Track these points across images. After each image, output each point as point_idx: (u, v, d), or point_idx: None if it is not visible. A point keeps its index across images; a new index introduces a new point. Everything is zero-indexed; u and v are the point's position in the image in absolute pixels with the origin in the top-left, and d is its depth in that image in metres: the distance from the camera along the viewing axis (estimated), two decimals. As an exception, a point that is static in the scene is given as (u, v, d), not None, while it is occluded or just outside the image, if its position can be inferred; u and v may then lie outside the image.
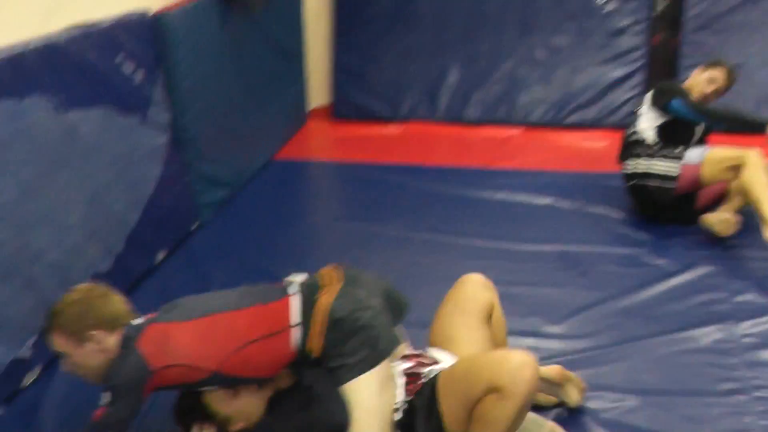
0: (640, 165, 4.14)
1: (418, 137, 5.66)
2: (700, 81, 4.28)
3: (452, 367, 2.48)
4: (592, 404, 2.80)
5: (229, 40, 4.65)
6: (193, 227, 4.27)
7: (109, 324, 2.45)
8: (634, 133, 4.24)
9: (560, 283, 3.61)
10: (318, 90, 6.10)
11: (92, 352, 2.44)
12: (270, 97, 5.26)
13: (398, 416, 2.45)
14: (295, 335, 2.45)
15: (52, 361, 3.14)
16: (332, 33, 6.07)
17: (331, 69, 6.08)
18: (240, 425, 2.56)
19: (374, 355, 2.42)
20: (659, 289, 3.52)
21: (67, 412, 2.90)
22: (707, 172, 4.00)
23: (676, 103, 4.11)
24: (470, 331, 2.63)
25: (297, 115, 5.80)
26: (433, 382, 2.46)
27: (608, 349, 3.10)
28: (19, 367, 3.01)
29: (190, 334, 2.44)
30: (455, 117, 5.84)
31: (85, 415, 2.71)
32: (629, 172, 4.21)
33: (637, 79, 5.67)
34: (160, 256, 3.91)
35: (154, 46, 3.97)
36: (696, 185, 4.06)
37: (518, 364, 2.22)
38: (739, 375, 2.94)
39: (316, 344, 2.42)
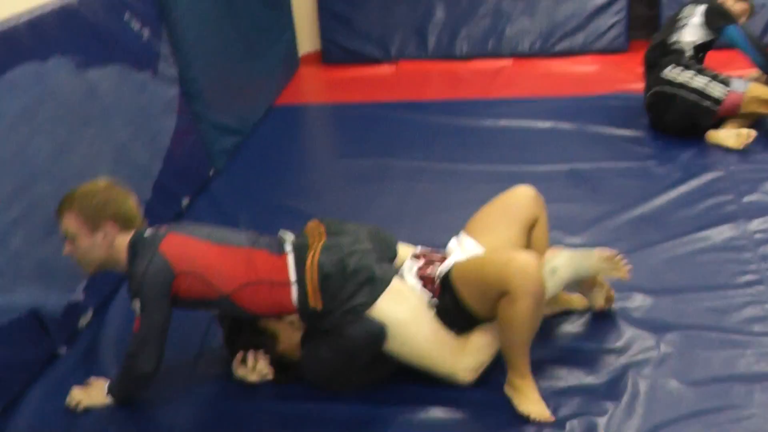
0: (680, 76, 4.17)
1: (410, 75, 5.77)
2: (736, 11, 4.32)
3: (465, 265, 2.64)
4: (620, 304, 2.96)
5: (223, -6, 4.73)
6: (210, 173, 4.39)
7: (124, 222, 2.63)
8: (676, 42, 4.28)
9: (573, 199, 3.76)
10: (307, 36, 6.18)
11: (100, 243, 2.61)
12: (263, 46, 5.34)
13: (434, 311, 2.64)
14: (294, 293, 2.60)
15: (102, 304, 3.31)
16: (316, -21, 6.14)
17: (318, 15, 6.14)
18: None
19: (374, 288, 2.59)
20: (669, 196, 3.68)
21: (122, 348, 3.02)
22: (749, 103, 4.08)
23: (733, 30, 4.17)
24: (508, 232, 2.78)
25: (290, 62, 5.89)
26: (448, 281, 2.63)
27: (629, 254, 3.21)
28: (74, 310, 3.14)
29: (209, 252, 2.60)
30: (445, 53, 5.95)
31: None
32: (666, 78, 4.22)
33: (621, 3, 5.79)
34: (185, 202, 4.04)
35: (156, 3, 4.04)
36: (732, 112, 4.14)
37: (521, 265, 2.41)
38: (755, 268, 3.11)
39: (315, 301, 2.58)
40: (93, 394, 2.72)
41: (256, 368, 2.74)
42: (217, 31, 4.60)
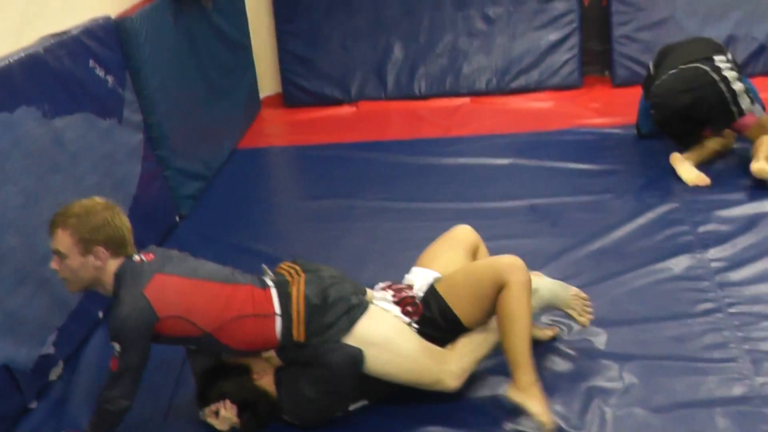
0: (728, 72, 4.19)
1: (370, 116, 5.84)
2: None
3: (449, 278, 2.81)
4: (584, 335, 3.05)
5: (185, 38, 4.78)
6: (176, 219, 4.42)
7: (116, 248, 2.65)
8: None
9: (533, 234, 3.86)
10: (267, 79, 6.25)
11: (89, 266, 2.62)
12: (225, 89, 5.40)
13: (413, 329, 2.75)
14: (278, 324, 2.65)
15: (73, 355, 3.31)
16: (274, 22, 6.21)
17: (278, 57, 6.22)
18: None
19: (351, 315, 2.68)
20: (627, 229, 3.78)
21: (93, 401, 3.02)
22: (756, 129, 4.18)
23: None
24: (456, 257, 2.95)
25: (252, 105, 5.95)
26: (433, 295, 2.78)
27: (590, 287, 3.31)
28: (45, 363, 3.13)
29: (192, 292, 2.63)
30: (404, 93, 6.04)
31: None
32: (717, 65, 4.23)
33: (573, 40, 5.93)
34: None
35: (119, 50, 4.09)
36: (736, 130, 4.26)
37: (509, 261, 2.72)
38: (713, 296, 3.21)
39: (299, 333, 2.65)
40: None
41: (226, 417, 2.76)
42: (180, 76, 4.65)
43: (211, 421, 2.78)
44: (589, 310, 2.99)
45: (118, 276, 2.64)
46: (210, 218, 4.45)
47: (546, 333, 3.06)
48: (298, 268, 2.80)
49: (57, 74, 3.53)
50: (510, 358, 2.66)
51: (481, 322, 2.78)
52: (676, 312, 3.15)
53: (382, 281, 3.03)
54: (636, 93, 5.50)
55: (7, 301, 3.00)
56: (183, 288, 2.62)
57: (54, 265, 2.68)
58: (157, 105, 4.31)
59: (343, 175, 4.82)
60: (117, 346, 2.54)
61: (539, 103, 5.71)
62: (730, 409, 2.62)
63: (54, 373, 3.19)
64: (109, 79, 3.93)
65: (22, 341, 3.03)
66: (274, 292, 2.71)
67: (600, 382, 2.82)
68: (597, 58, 6.11)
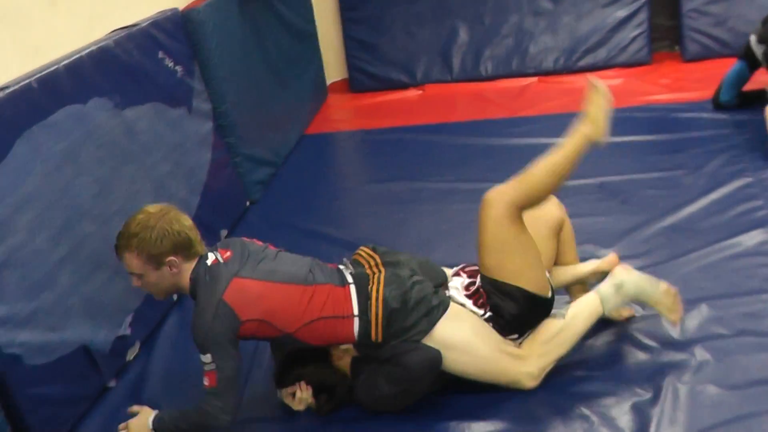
0: None
1: (436, 99, 5.85)
2: None
3: (480, 257, 2.77)
4: (657, 313, 3.00)
5: (250, 28, 4.84)
6: (246, 205, 4.49)
7: (186, 252, 2.63)
8: None
9: (604, 212, 3.82)
10: (333, 65, 6.29)
11: (167, 275, 2.63)
12: (292, 77, 5.45)
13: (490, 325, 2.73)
14: (356, 325, 2.66)
15: (149, 336, 3.41)
16: (339, 10, 6.24)
17: (343, 44, 6.26)
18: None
19: (431, 317, 2.67)
20: (699, 205, 3.72)
21: (169, 380, 3.14)
22: None
23: None
24: (538, 236, 2.86)
25: (318, 91, 6.00)
26: (487, 282, 2.74)
27: (663, 264, 3.30)
28: (122, 344, 3.23)
29: (272, 296, 2.60)
30: (470, 75, 6.03)
31: (186, 379, 2.98)
32: None
33: (642, 16, 5.84)
34: (223, 234, 4.13)
35: (187, 41, 4.16)
36: None
37: (485, 200, 2.76)
38: (788, 271, 3.15)
39: (377, 334, 2.65)
40: (136, 426, 2.69)
41: (302, 398, 2.80)
42: (247, 65, 4.71)
43: (288, 401, 2.82)
44: (679, 306, 2.87)
45: (194, 279, 2.63)
46: (279, 204, 4.51)
47: (622, 314, 3.01)
48: (377, 259, 2.79)
49: (127, 66, 3.60)
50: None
51: (542, 272, 2.75)
52: (750, 288, 3.09)
53: (454, 262, 3.03)
54: (707, 67, 5.43)
55: (85, 285, 3.09)
56: (263, 292, 2.59)
57: (135, 283, 2.69)
58: (226, 94, 4.37)
59: (410, 158, 4.83)
60: (209, 358, 2.52)
61: (608, 80, 5.50)
62: (807, 386, 2.56)
63: (131, 354, 3.28)
64: (178, 69, 4.00)
65: (100, 324, 3.13)
66: (353, 290, 2.69)
67: (673, 358, 2.78)
68: (666, 33, 6.01)
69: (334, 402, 2.81)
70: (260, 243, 2.83)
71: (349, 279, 2.72)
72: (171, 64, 3.94)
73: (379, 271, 2.73)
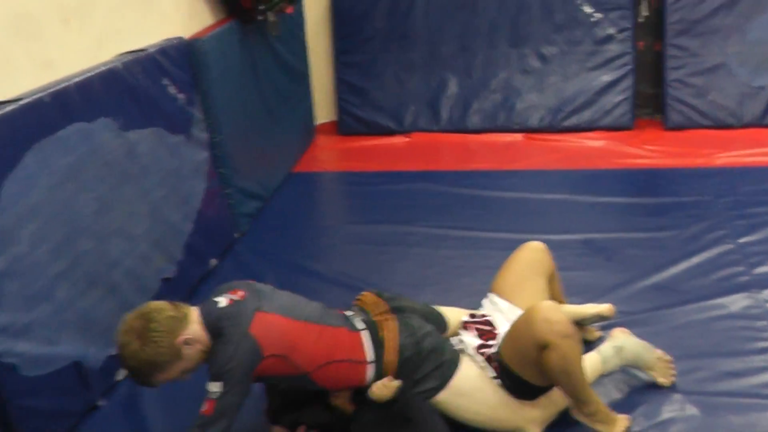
0: None
1: (423, 147, 5.93)
2: None
3: (505, 342, 2.76)
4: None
5: (249, 63, 4.91)
6: (235, 236, 4.52)
7: (182, 325, 2.49)
8: None
9: (589, 267, 3.90)
10: (323, 107, 6.37)
11: (192, 351, 2.52)
12: (284, 114, 5.51)
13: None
14: (369, 371, 2.68)
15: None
16: (333, 52, 6.34)
17: (334, 86, 6.35)
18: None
19: (444, 372, 2.71)
20: (682, 267, 3.81)
21: (158, 403, 3.13)
22: None
23: None
24: (536, 286, 2.97)
25: (307, 131, 6.06)
26: (501, 362, 2.75)
27: (647, 321, 3.38)
28: (112, 363, 3.22)
29: (296, 333, 2.58)
30: (457, 126, 6.12)
31: (176, 404, 2.98)
32: None
33: (627, 82, 5.99)
34: (213, 263, 4.16)
35: (190, 70, 4.22)
36: None
37: (543, 315, 2.55)
38: (769, 335, 3.24)
39: (398, 377, 2.68)
40: None
41: None
42: (243, 99, 4.77)
43: None
44: (672, 372, 2.98)
45: (211, 327, 2.53)
46: (266, 237, 4.54)
47: (594, 334, 3.19)
48: (384, 306, 2.81)
49: (133, 89, 3.65)
50: (571, 399, 2.69)
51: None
52: (733, 349, 3.17)
53: (443, 304, 3.09)
54: (688, 136, 5.60)
55: (80, 301, 3.11)
56: (287, 328, 2.56)
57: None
58: (222, 125, 4.42)
59: (396, 202, 4.90)
60: (217, 387, 2.44)
61: (591, 142, 5.77)
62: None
63: (120, 374, 3.27)
64: (180, 97, 4.05)
65: (91, 341, 3.13)
66: (365, 336, 2.71)
67: (660, 413, 2.85)
68: (649, 100, 6.17)
69: None
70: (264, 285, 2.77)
71: (360, 325, 2.74)
72: (174, 92, 3.99)
73: (389, 320, 2.75)
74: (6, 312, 2.71)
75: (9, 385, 2.69)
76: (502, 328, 2.87)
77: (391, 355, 2.66)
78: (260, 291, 2.65)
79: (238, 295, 2.60)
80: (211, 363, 2.51)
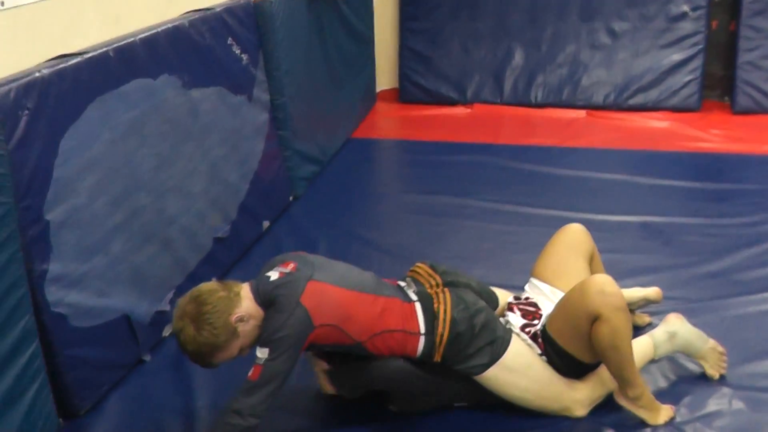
0: None
1: (484, 119, 5.88)
2: None
3: (554, 319, 2.74)
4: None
5: (315, 26, 4.90)
6: (290, 199, 4.54)
7: (234, 303, 2.51)
8: None
9: (645, 251, 3.84)
10: (385, 73, 6.36)
11: (248, 328, 2.53)
12: (347, 79, 5.51)
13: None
14: (421, 343, 2.67)
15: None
16: (399, 18, 6.30)
17: (398, 53, 6.31)
18: None
19: (494, 350, 2.68)
20: (741, 255, 3.73)
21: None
22: None
23: None
24: (577, 268, 2.92)
25: (368, 97, 6.05)
26: (547, 338, 2.73)
27: (699, 307, 3.32)
28: (161, 319, 3.27)
29: (348, 303, 2.57)
30: (520, 99, 6.07)
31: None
32: None
33: (697, 62, 5.87)
34: (266, 224, 4.18)
35: (256, 31, 4.23)
36: None
37: (598, 287, 2.56)
38: (830, 333, 3.15)
39: (439, 354, 2.67)
40: None
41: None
42: (307, 62, 4.78)
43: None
44: (724, 365, 2.91)
45: (262, 300, 2.55)
46: (322, 202, 4.56)
47: (644, 319, 3.16)
48: (438, 279, 2.80)
49: (198, 48, 3.67)
50: (618, 379, 2.67)
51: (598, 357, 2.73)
52: (788, 345, 3.10)
53: (493, 282, 3.06)
54: (756, 121, 5.46)
55: (134, 256, 3.15)
56: (339, 297, 2.56)
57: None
58: (285, 87, 4.43)
59: (454, 174, 4.87)
60: (266, 352, 2.45)
61: (655, 122, 5.67)
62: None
63: (167, 330, 3.32)
64: (244, 57, 4.06)
65: (143, 296, 3.18)
66: (419, 307, 2.70)
67: (705, 403, 2.80)
68: (718, 82, 6.04)
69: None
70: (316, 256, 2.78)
71: (413, 297, 2.73)
72: (238, 52, 4.01)
73: (443, 292, 2.73)
74: (61, 262, 2.75)
75: (59, 334, 2.74)
76: (546, 310, 2.85)
77: (444, 329, 2.65)
78: (312, 261, 2.66)
79: (290, 267, 2.60)
80: (263, 330, 2.53)
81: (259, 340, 2.51)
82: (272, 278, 2.58)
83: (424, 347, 2.66)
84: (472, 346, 2.66)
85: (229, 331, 2.50)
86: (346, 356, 2.74)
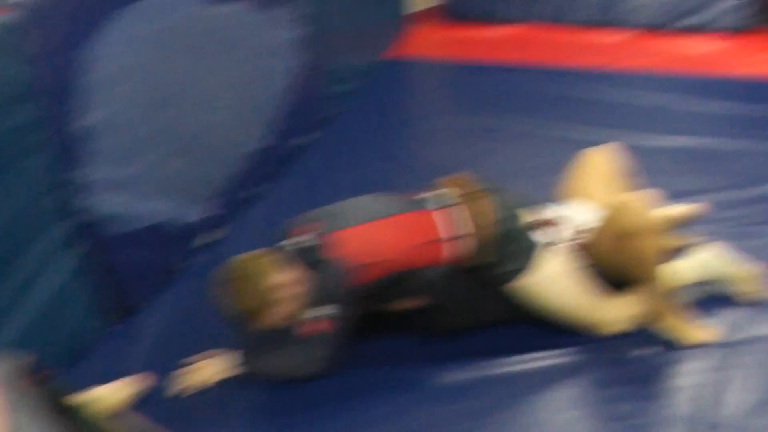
0: None
1: (524, 39, 5.69)
2: None
3: (582, 233, 2.76)
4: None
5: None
6: (321, 118, 4.44)
7: (270, 270, 2.56)
8: None
9: (691, 173, 3.73)
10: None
11: (287, 295, 2.58)
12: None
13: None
14: (466, 245, 2.64)
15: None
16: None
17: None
18: None
19: (528, 256, 2.67)
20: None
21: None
22: None
23: None
24: (605, 193, 2.88)
25: (406, 16, 5.86)
26: (576, 250, 2.73)
27: (742, 231, 3.22)
28: (210, 222, 3.47)
29: (372, 236, 2.62)
30: (564, 18, 5.85)
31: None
32: None
33: (750, -18, 5.60)
34: (295, 142, 4.13)
35: (287, -58, 4.09)
36: None
37: (632, 204, 2.64)
38: None
39: (487, 255, 2.65)
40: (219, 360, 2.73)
41: None
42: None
43: None
44: (761, 288, 2.84)
45: (304, 260, 2.61)
46: (354, 121, 4.48)
47: (682, 241, 3.02)
48: (474, 186, 2.78)
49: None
50: (650, 298, 2.65)
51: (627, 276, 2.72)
52: None
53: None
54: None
55: (176, 161, 3.25)
56: (365, 235, 2.62)
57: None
58: (316, 4, 4.29)
59: (491, 95, 4.72)
60: (327, 309, 2.56)
61: (705, 45, 5.44)
62: None
63: (218, 233, 3.47)
64: (275, -30, 3.93)
65: (189, 199, 3.34)
66: (439, 215, 2.69)
67: (741, 327, 2.75)
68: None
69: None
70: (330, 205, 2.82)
71: (432, 206, 2.71)
72: (268, -36, 3.88)
73: (480, 197, 2.72)
74: (105, 166, 2.85)
75: (109, 237, 2.89)
76: (576, 226, 2.81)
77: (487, 230, 2.64)
78: (331, 212, 2.71)
79: (315, 226, 2.65)
80: (312, 291, 2.58)
81: (312, 300, 2.58)
82: (301, 241, 2.62)
83: (471, 247, 2.64)
84: (512, 247, 2.65)
85: (269, 297, 2.54)
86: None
